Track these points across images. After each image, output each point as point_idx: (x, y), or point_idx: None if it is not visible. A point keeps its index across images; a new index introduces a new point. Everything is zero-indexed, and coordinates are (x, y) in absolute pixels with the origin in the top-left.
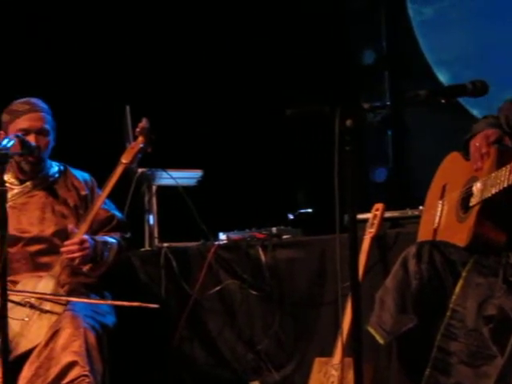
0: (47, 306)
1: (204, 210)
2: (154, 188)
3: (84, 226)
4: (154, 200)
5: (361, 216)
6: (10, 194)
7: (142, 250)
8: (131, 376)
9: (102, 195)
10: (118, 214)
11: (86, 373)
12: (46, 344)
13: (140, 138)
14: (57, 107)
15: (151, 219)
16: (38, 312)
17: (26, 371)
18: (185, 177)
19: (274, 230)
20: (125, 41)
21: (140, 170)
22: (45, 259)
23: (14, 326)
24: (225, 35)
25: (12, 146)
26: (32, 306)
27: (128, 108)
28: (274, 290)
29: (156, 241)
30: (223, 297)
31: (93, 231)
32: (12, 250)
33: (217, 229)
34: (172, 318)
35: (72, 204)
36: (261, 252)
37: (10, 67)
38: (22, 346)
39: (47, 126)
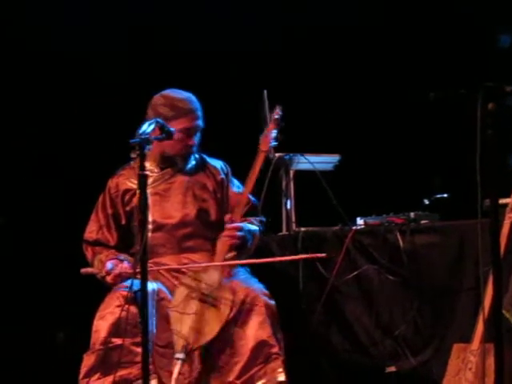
0: (217, 297)
1: (341, 195)
2: (292, 173)
3: (237, 216)
4: (292, 185)
5: (501, 201)
6: (150, 180)
7: (280, 234)
8: None
9: (249, 185)
10: (251, 197)
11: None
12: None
13: (271, 126)
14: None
15: (288, 204)
16: (207, 305)
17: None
18: (322, 161)
19: (411, 214)
20: (267, 27)
21: (277, 155)
22: (189, 243)
23: (188, 320)
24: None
25: (152, 131)
26: (202, 300)
27: (265, 92)
28: (411, 276)
29: (293, 225)
30: (360, 282)
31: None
32: (157, 235)
33: (354, 214)
34: (309, 302)
35: (211, 188)
36: (399, 237)
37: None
38: (200, 340)
39: (202, 124)
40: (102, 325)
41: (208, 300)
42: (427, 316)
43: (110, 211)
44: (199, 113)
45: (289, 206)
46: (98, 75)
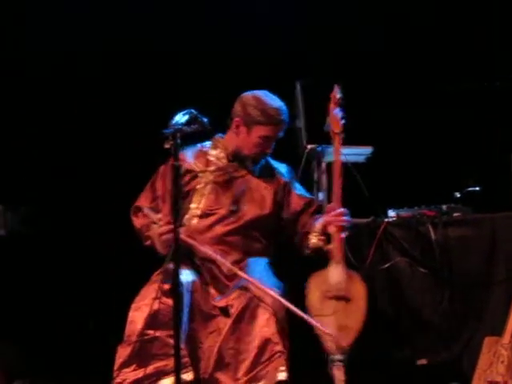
0: (347, 289)
1: (373, 187)
2: (324, 165)
3: (337, 203)
4: (324, 177)
5: None
6: (213, 167)
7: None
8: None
9: (336, 169)
10: (312, 196)
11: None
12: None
13: (333, 106)
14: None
15: (321, 196)
16: (342, 300)
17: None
18: (354, 153)
19: (443, 207)
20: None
21: (310, 147)
22: (229, 239)
23: (330, 321)
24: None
25: (185, 121)
26: (336, 297)
27: (298, 84)
28: (443, 268)
29: None
30: (392, 274)
31: (295, 217)
32: (201, 221)
33: (386, 206)
34: None
35: (272, 190)
36: (431, 229)
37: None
38: (350, 336)
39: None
40: (137, 316)
41: (341, 295)
42: (459, 309)
43: (169, 184)
44: (285, 125)
45: (321, 198)
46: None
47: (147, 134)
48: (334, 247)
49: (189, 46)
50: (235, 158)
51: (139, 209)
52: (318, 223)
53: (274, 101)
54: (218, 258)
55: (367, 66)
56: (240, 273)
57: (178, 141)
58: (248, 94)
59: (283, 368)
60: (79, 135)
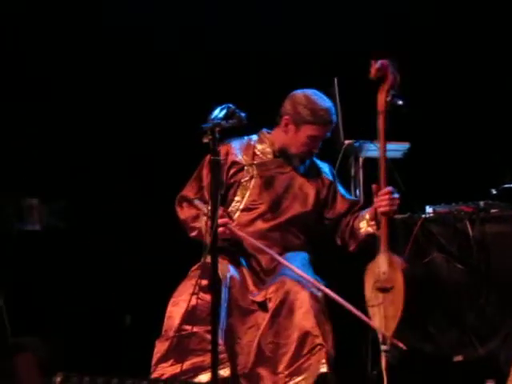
0: (391, 279)
1: (410, 183)
2: (361, 160)
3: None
4: (361, 172)
5: None
6: (258, 161)
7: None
8: None
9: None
10: (356, 198)
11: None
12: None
13: (386, 85)
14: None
15: (357, 190)
16: (386, 290)
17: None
18: (392, 149)
19: (481, 203)
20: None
21: (347, 142)
22: (271, 234)
23: (377, 311)
24: None
25: (223, 116)
26: (381, 288)
27: (336, 80)
28: (480, 264)
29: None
30: (429, 270)
31: (339, 218)
32: (243, 215)
33: (423, 202)
34: None
35: (316, 188)
36: (468, 226)
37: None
38: (390, 326)
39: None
40: (175, 312)
41: (385, 285)
42: (495, 305)
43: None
44: (333, 126)
45: (358, 193)
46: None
47: (187, 129)
48: (381, 233)
49: (231, 43)
50: (281, 154)
51: (184, 199)
52: (366, 211)
53: (323, 101)
54: (271, 251)
55: (404, 62)
56: (289, 265)
57: (217, 135)
58: (299, 93)
59: (324, 361)
60: (118, 128)
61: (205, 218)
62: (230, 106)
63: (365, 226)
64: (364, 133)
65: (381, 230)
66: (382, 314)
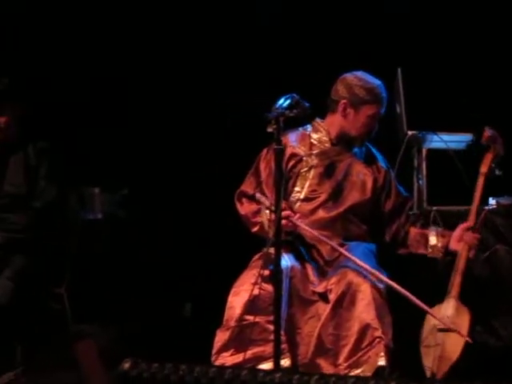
0: (455, 322)
1: (474, 174)
2: (424, 151)
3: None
4: (424, 163)
5: None
6: (317, 151)
7: (411, 212)
8: None
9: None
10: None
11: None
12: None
13: (490, 155)
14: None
15: (420, 182)
16: (448, 332)
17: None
18: (455, 140)
19: None
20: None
21: (410, 133)
22: (332, 223)
23: (432, 352)
24: None
25: (288, 105)
26: (443, 329)
27: (399, 70)
28: None
29: (425, 204)
30: (491, 261)
31: (391, 211)
32: (303, 205)
33: (486, 194)
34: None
35: (373, 176)
36: None
37: None
38: (443, 367)
39: None
40: (236, 301)
41: (449, 327)
42: None
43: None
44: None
45: (421, 184)
46: None
47: (250, 118)
48: (455, 279)
49: (290, 32)
50: (340, 140)
51: (243, 195)
52: (436, 232)
53: (374, 79)
54: (333, 243)
55: (468, 53)
56: (351, 256)
57: (281, 125)
58: (350, 75)
59: (383, 354)
60: (179, 120)
61: (267, 212)
62: (295, 95)
63: (431, 250)
64: (427, 123)
65: (455, 275)
66: (436, 355)
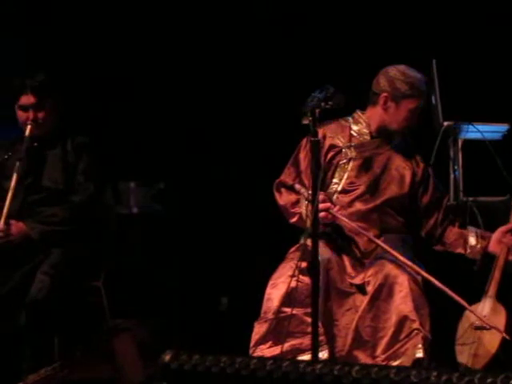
0: (492, 321)
1: (510, 165)
2: (460, 142)
3: None
4: (460, 154)
5: None
6: (356, 143)
7: (448, 203)
8: None
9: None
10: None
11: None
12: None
13: None
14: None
15: (456, 173)
16: (484, 330)
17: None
18: (491, 130)
19: None
20: None
21: (446, 124)
22: (369, 216)
23: (467, 349)
24: None
25: (323, 97)
26: (480, 327)
27: (434, 62)
28: None
29: (461, 195)
30: None
31: (428, 206)
32: (340, 197)
33: None
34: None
35: (411, 170)
36: None
37: None
38: (477, 364)
39: None
40: (274, 294)
41: (485, 325)
42: None
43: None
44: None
45: (457, 175)
46: None
47: (286, 110)
48: (494, 279)
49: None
50: (379, 133)
51: (283, 185)
52: (476, 233)
53: (417, 73)
54: (370, 235)
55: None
56: (388, 248)
57: (317, 116)
58: (392, 68)
59: (420, 346)
60: (217, 112)
61: (306, 203)
62: (330, 87)
63: (470, 251)
64: (463, 114)
65: (493, 276)
66: (471, 352)
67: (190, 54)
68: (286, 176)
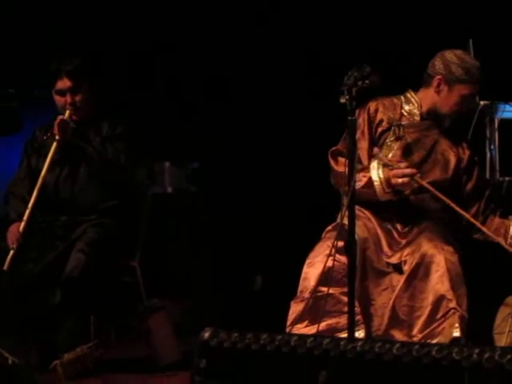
0: None
1: None
2: (497, 121)
3: None
4: (496, 133)
5: None
6: (406, 123)
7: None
8: None
9: None
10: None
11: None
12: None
13: None
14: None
15: (493, 152)
16: None
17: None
18: None
19: None
20: None
21: (482, 103)
22: (412, 196)
23: (504, 338)
24: None
25: (360, 76)
26: None
27: (471, 42)
28: None
29: (497, 174)
30: None
31: (471, 195)
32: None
33: None
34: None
35: (457, 155)
36: None
37: None
38: None
39: None
40: (311, 273)
41: None
42: None
43: (366, 131)
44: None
45: (493, 155)
46: None
47: (323, 89)
48: None
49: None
50: (430, 115)
51: (340, 153)
52: None
53: (474, 60)
54: (447, 200)
55: None
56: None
57: (354, 95)
58: (449, 52)
59: (457, 325)
60: (251, 92)
61: (380, 167)
62: (367, 66)
63: (511, 241)
64: (500, 94)
65: None
66: (508, 341)
67: (227, 36)
68: (343, 146)
